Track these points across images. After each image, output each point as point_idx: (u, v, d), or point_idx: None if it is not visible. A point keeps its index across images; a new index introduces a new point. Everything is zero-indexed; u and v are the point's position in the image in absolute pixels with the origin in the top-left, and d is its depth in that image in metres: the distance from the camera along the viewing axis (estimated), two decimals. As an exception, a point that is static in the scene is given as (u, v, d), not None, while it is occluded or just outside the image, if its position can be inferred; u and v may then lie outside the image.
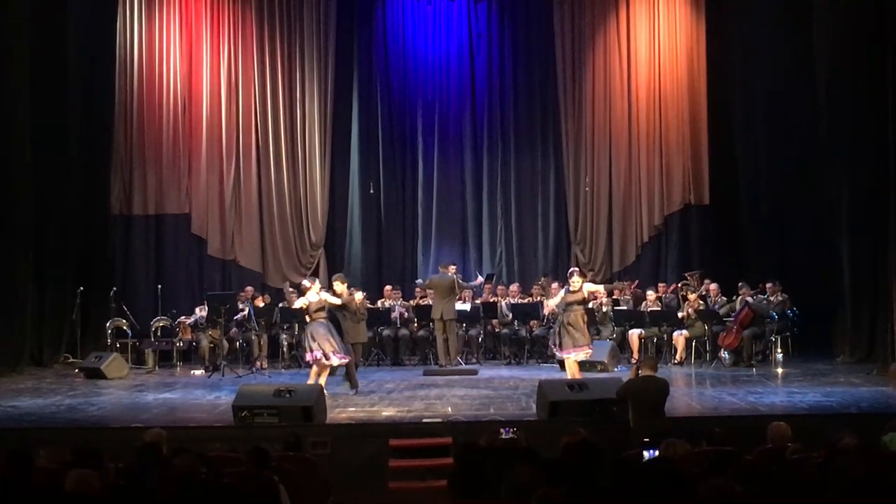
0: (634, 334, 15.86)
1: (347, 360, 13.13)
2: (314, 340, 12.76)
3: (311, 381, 12.59)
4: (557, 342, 12.83)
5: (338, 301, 13.34)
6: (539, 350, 16.40)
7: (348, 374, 13.46)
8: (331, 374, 13.15)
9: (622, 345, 16.06)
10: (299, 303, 13.31)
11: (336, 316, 13.65)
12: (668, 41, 18.21)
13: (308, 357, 13.06)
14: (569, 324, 12.61)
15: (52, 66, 16.43)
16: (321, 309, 12.99)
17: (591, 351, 12.98)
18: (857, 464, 6.41)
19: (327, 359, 12.73)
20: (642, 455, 7.28)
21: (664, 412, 9.80)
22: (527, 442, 8.06)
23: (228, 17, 18.20)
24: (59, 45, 16.59)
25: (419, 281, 17.26)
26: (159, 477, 6.74)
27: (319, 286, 13.37)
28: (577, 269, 14.15)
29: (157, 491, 6.38)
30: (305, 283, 13.58)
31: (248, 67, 18.23)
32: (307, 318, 13.11)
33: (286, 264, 18.15)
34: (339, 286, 13.54)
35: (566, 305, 12.72)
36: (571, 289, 12.77)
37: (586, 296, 13.02)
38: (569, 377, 12.29)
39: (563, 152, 18.51)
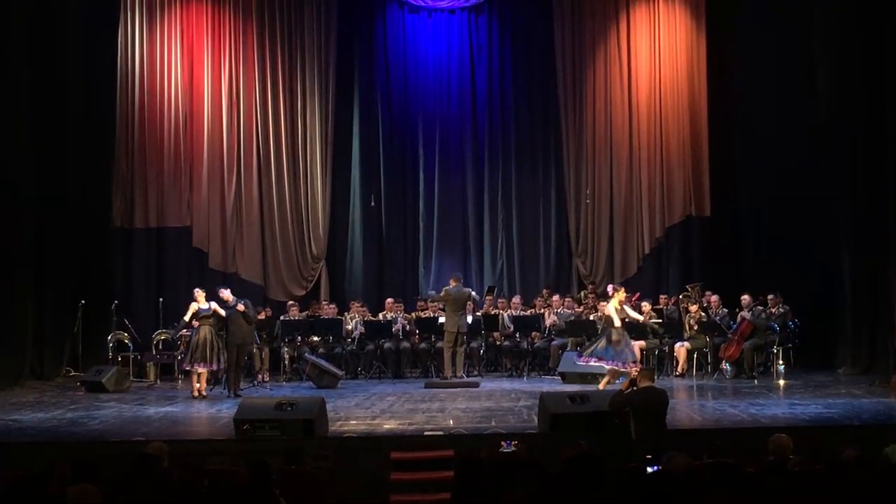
0: (636, 346, 15.81)
1: (213, 369, 14.46)
2: (188, 348, 14.41)
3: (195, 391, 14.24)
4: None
5: (223, 312, 14.37)
6: (540, 362, 16.40)
7: (227, 379, 14.57)
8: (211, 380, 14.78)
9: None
10: (190, 311, 14.49)
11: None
12: (668, 53, 18.23)
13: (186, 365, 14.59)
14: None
15: (53, 80, 16.50)
16: (208, 316, 14.29)
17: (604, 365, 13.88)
18: (859, 476, 6.41)
19: (191, 366, 14.26)
20: (645, 469, 7.26)
21: (665, 423, 9.77)
22: (528, 455, 8.05)
23: (229, 30, 18.24)
24: (60, 58, 16.65)
25: (431, 292, 17.14)
26: (159, 490, 6.74)
27: (205, 295, 14.51)
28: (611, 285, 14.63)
29: (158, 505, 6.38)
30: (197, 291, 14.71)
31: (248, 81, 18.26)
32: (194, 323, 14.48)
33: (288, 277, 18.17)
34: (226, 292, 14.70)
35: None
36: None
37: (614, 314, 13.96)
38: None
39: (563, 164, 18.53)
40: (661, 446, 7.72)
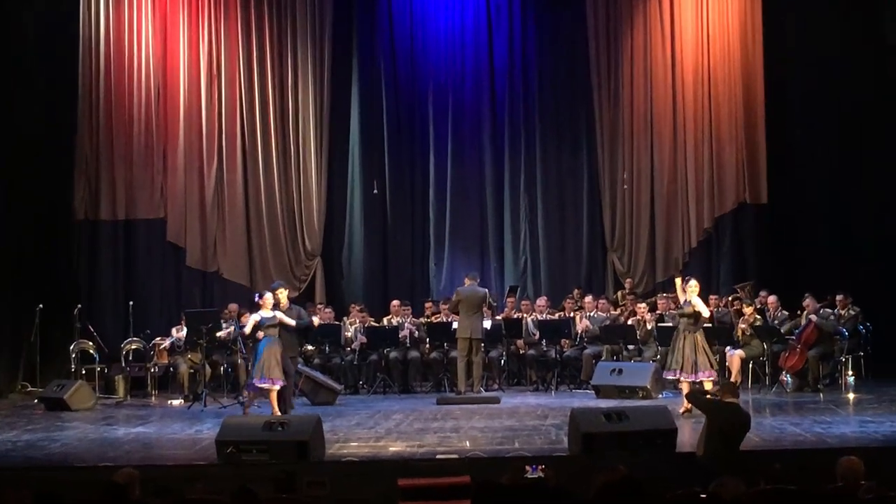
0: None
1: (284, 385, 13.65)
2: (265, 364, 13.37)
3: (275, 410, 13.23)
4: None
5: (291, 322, 13.78)
6: (571, 374, 16.39)
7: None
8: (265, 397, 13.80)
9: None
10: (250, 323, 13.88)
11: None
12: (718, 14, 18.19)
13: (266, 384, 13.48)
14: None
15: (6, 50, 16.52)
16: (273, 325, 13.61)
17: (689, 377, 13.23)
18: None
19: (271, 383, 13.41)
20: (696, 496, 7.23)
21: (740, 449, 9.76)
22: (557, 481, 8.04)
23: (208, -9, 18.29)
24: (13, 23, 16.67)
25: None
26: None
27: (272, 301, 13.77)
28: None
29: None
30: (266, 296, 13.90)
31: (231, 50, 18.29)
32: (259, 335, 13.69)
33: (278, 276, 18.08)
34: (283, 294, 14.05)
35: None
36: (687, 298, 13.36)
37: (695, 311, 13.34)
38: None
39: (596, 144, 18.55)
40: (730, 472, 7.68)
